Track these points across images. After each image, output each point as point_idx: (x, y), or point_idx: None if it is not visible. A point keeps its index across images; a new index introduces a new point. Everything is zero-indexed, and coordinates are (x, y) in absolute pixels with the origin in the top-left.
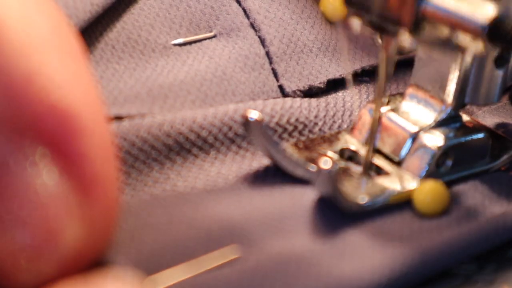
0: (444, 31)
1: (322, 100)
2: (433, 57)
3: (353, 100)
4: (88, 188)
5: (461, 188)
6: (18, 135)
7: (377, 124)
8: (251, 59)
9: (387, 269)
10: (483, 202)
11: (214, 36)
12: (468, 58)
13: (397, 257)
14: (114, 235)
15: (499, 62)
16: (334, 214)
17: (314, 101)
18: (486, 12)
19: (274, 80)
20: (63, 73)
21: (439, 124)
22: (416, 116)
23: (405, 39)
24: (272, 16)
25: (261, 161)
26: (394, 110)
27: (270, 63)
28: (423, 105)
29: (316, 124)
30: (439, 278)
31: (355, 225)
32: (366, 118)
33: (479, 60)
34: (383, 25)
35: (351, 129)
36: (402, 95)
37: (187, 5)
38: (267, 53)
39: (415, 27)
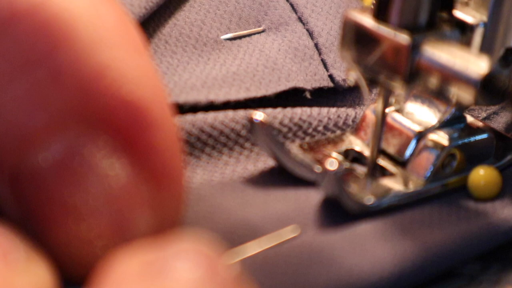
0: (437, 83)
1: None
2: None
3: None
4: (158, 179)
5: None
6: (91, 128)
7: (381, 125)
8: (301, 51)
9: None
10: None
11: (263, 31)
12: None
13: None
14: (181, 222)
15: (504, 62)
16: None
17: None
18: (478, 68)
19: (324, 70)
20: (131, 67)
21: (443, 125)
22: (420, 116)
23: (400, 89)
24: (319, 10)
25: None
26: (399, 110)
27: (319, 54)
28: (428, 105)
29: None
30: (443, 278)
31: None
32: (370, 119)
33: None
34: (378, 78)
35: (355, 130)
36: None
37: (236, 1)
38: (316, 45)
39: (410, 79)
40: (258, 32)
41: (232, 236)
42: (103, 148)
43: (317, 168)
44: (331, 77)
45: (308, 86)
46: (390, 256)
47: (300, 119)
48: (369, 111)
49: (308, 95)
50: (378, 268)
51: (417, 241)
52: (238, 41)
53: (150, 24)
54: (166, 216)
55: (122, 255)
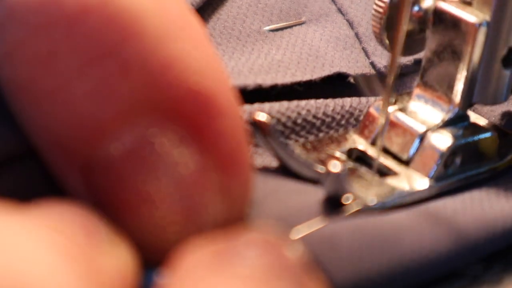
0: None
1: (330, 100)
2: (441, 56)
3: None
4: (226, 166)
5: None
6: (160, 118)
7: (385, 126)
8: (342, 40)
9: None
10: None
11: (304, 23)
12: (476, 58)
13: None
14: (250, 208)
15: (507, 61)
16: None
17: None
18: None
19: (366, 57)
20: (197, 58)
21: (446, 124)
22: (423, 115)
23: None
24: (358, 1)
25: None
26: (402, 109)
27: (360, 43)
28: (431, 104)
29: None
30: (446, 278)
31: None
32: (374, 118)
33: (486, 60)
34: None
35: (358, 129)
36: (409, 94)
37: None
38: (356, 34)
39: None
40: (299, 24)
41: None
42: (173, 137)
43: (321, 169)
44: (372, 64)
45: (352, 72)
46: (448, 234)
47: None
48: (372, 109)
49: (352, 80)
50: (438, 246)
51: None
52: (280, 32)
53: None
54: (235, 202)
55: (194, 245)
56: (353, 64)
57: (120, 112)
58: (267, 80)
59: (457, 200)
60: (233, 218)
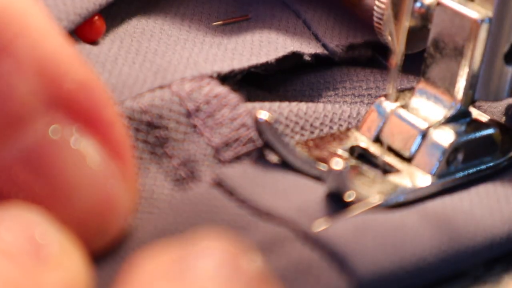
0: None
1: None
2: (443, 52)
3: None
4: (121, 154)
5: None
6: (60, 114)
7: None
8: (291, 27)
9: None
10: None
11: (250, 18)
12: (478, 55)
13: None
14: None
15: (509, 58)
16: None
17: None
18: None
19: (316, 40)
20: (75, 52)
21: (449, 120)
22: (425, 112)
23: None
24: None
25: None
26: (404, 106)
27: (309, 28)
28: (433, 101)
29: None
30: (448, 278)
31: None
32: (375, 115)
33: (489, 56)
34: None
35: (360, 126)
36: (411, 90)
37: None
38: (304, 21)
39: None
40: (246, 20)
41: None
42: (74, 131)
43: (323, 166)
44: (324, 45)
45: (306, 51)
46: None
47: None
48: (375, 106)
49: (307, 57)
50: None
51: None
52: (229, 26)
53: (138, 14)
54: (135, 189)
55: (149, 254)
56: (306, 46)
57: (17, 111)
58: (224, 67)
59: (466, 198)
60: (135, 200)
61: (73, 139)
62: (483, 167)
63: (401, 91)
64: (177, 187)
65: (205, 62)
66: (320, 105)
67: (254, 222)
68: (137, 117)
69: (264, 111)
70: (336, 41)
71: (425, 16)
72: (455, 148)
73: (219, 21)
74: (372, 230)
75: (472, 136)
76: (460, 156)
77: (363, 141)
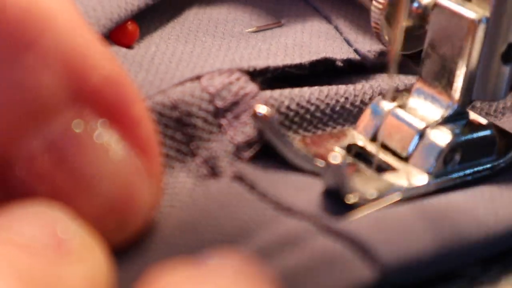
0: None
1: (333, 91)
2: (441, 52)
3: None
4: (147, 150)
5: None
6: (84, 108)
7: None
8: (323, 32)
9: None
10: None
11: (283, 25)
12: (475, 55)
13: None
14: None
15: (506, 57)
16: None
17: (325, 89)
18: None
19: (348, 46)
20: (102, 47)
21: (446, 121)
22: (423, 112)
23: None
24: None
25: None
26: (401, 106)
27: (341, 34)
28: (430, 101)
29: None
30: (444, 279)
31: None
32: (372, 114)
33: (486, 56)
34: None
35: (357, 125)
36: (409, 91)
37: (252, 3)
38: (336, 27)
39: None
40: (279, 26)
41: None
42: (98, 125)
43: (320, 163)
44: (356, 51)
45: (338, 57)
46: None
47: (317, 99)
48: (372, 105)
49: (339, 63)
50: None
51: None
52: (262, 32)
53: (171, 22)
54: (158, 185)
55: (165, 270)
56: (338, 51)
57: (42, 104)
58: (259, 64)
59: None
60: (158, 201)
61: (97, 133)
62: (480, 168)
63: (399, 91)
64: (199, 183)
65: (241, 60)
66: (322, 98)
67: (276, 216)
68: (167, 113)
69: (263, 105)
70: (368, 47)
71: (423, 16)
72: (452, 148)
73: (252, 28)
74: (392, 220)
75: (470, 136)
76: (457, 157)
77: (361, 139)
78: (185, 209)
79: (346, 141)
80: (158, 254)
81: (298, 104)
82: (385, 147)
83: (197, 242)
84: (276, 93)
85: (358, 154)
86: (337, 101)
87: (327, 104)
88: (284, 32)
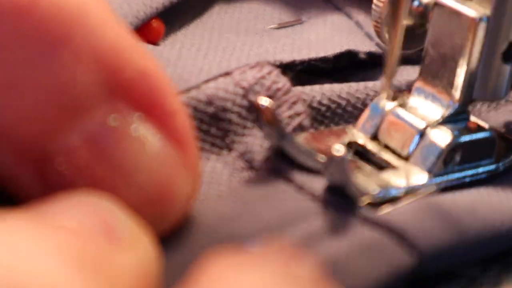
0: None
1: (362, 85)
2: (441, 51)
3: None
4: (182, 142)
5: None
6: (119, 102)
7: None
8: (345, 28)
9: None
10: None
11: (304, 21)
12: (476, 53)
13: None
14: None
15: (507, 56)
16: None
17: (354, 85)
18: None
19: (370, 40)
20: (135, 41)
21: (447, 120)
22: (423, 111)
23: None
24: None
25: None
26: (402, 105)
27: (362, 29)
28: (431, 100)
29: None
30: (443, 279)
31: None
32: (373, 113)
33: (486, 55)
34: None
35: (358, 124)
36: (409, 90)
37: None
38: (357, 23)
39: None
40: (300, 23)
41: None
42: (133, 119)
43: (321, 157)
44: (378, 45)
45: (360, 49)
46: None
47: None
48: (373, 104)
49: (362, 55)
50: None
51: None
52: (284, 29)
53: (194, 21)
54: (196, 177)
55: (212, 259)
56: (360, 44)
57: (78, 100)
58: (285, 58)
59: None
60: (196, 187)
61: (133, 127)
62: (480, 170)
63: (400, 91)
64: (235, 175)
65: (266, 54)
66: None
67: (314, 208)
68: (202, 108)
69: (265, 97)
70: None
71: (423, 15)
72: (452, 149)
73: (274, 25)
74: (425, 211)
75: (470, 137)
76: (457, 157)
77: (361, 138)
78: (224, 199)
79: (346, 139)
80: (200, 244)
81: (329, 99)
82: (385, 146)
83: (239, 232)
84: (307, 88)
85: (358, 152)
86: (367, 94)
87: (358, 98)
88: (306, 28)
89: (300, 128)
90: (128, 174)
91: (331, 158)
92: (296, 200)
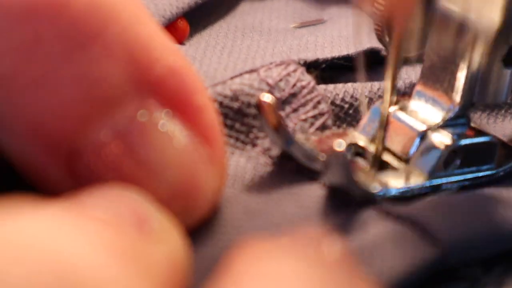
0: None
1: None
2: (442, 55)
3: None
4: (210, 138)
5: None
6: (148, 98)
7: (385, 121)
8: (366, 26)
9: None
10: None
11: (325, 21)
12: (477, 57)
13: None
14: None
15: (507, 61)
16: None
17: (376, 83)
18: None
19: None
20: (166, 38)
21: (447, 124)
22: (424, 114)
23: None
24: None
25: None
26: (402, 108)
27: None
28: (431, 103)
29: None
30: (445, 280)
31: None
32: (373, 116)
33: (487, 59)
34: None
35: (359, 126)
36: (410, 94)
37: (293, 4)
38: None
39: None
40: (321, 23)
41: None
42: (162, 114)
43: (322, 156)
44: None
45: (382, 48)
46: None
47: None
48: (374, 107)
49: (384, 53)
50: None
51: None
52: (306, 28)
53: (218, 21)
54: (222, 172)
55: (242, 248)
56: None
57: (108, 95)
58: (309, 56)
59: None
60: (222, 182)
61: (162, 122)
62: (480, 174)
63: (401, 95)
64: (259, 169)
65: (290, 51)
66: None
67: (338, 203)
68: (228, 103)
69: (267, 94)
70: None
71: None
72: (452, 151)
73: (296, 23)
74: (445, 205)
75: (470, 141)
76: (457, 160)
77: (361, 139)
78: (248, 194)
79: (347, 141)
80: (227, 238)
81: (352, 97)
82: (385, 148)
83: (264, 226)
84: (331, 86)
85: (358, 154)
86: None
87: (380, 96)
88: (329, 26)
89: (323, 127)
90: (155, 169)
91: (332, 153)
92: (321, 196)
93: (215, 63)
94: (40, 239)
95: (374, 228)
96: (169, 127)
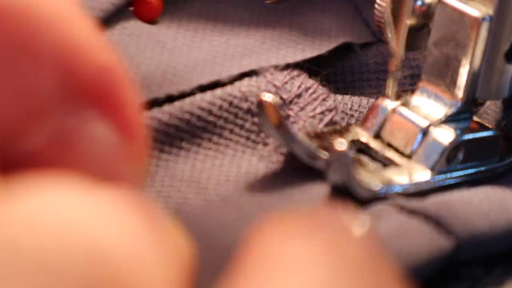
0: None
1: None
2: (444, 50)
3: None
4: (132, 132)
5: None
6: (79, 103)
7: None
8: (343, 12)
9: None
10: None
11: None
12: (479, 53)
13: None
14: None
15: (510, 56)
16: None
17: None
18: None
19: (367, 27)
20: (94, 35)
21: (449, 119)
22: (426, 110)
23: None
24: None
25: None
26: (405, 104)
27: (361, 14)
28: (434, 99)
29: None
30: (446, 280)
31: None
32: (376, 112)
33: (489, 55)
34: None
35: (361, 122)
36: (412, 90)
37: None
38: (355, 6)
39: None
40: None
41: None
42: (93, 117)
43: (324, 154)
44: (374, 34)
45: (356, 40)
46: None
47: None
48: (376, 102)
49: (357, 48)
50: None
51: None
52: (281, 7)
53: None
54: (142, 160)
55: (267, 224)
56: (357, 35)
57: (38, 105)
58: (280, 59)
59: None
60: (142, 184)
61: (90, 125)
62: (483, 168)
63: (403, 90)
64: (270, 169)
65: (261, 49)
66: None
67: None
68: (237, 103)
69: (268, 93)
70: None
71: (426, 14)
72: (455, 146)
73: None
74: (458, 200)
75: (473, 136)
76: (460, 155)
77: (364, 136)
78: (261, 191)
79: (350, 137)
80: (239, 231)
81: (360, 105)
82: (388, 144)
83: None
84: (339, 97)
85: (361, 150)
86: None
87: None
88: (304, 9)
89: (332, 123)
90: (86, 167)
91: (334, 153)
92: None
93: (185, 55)
94: (73, 221)
95: (388, 221)
96: (98, 129)
